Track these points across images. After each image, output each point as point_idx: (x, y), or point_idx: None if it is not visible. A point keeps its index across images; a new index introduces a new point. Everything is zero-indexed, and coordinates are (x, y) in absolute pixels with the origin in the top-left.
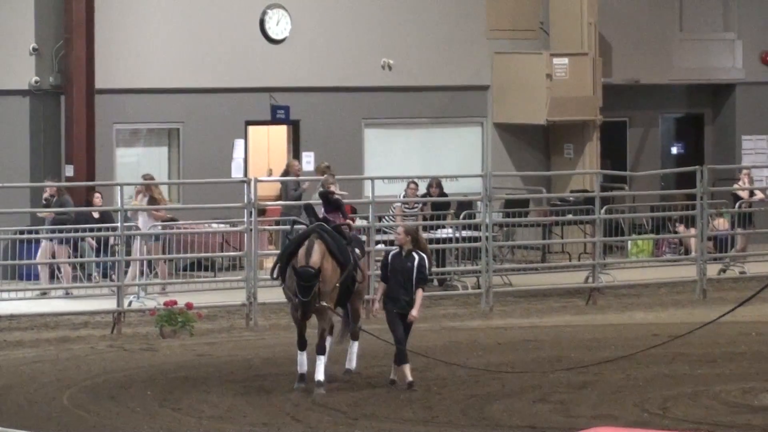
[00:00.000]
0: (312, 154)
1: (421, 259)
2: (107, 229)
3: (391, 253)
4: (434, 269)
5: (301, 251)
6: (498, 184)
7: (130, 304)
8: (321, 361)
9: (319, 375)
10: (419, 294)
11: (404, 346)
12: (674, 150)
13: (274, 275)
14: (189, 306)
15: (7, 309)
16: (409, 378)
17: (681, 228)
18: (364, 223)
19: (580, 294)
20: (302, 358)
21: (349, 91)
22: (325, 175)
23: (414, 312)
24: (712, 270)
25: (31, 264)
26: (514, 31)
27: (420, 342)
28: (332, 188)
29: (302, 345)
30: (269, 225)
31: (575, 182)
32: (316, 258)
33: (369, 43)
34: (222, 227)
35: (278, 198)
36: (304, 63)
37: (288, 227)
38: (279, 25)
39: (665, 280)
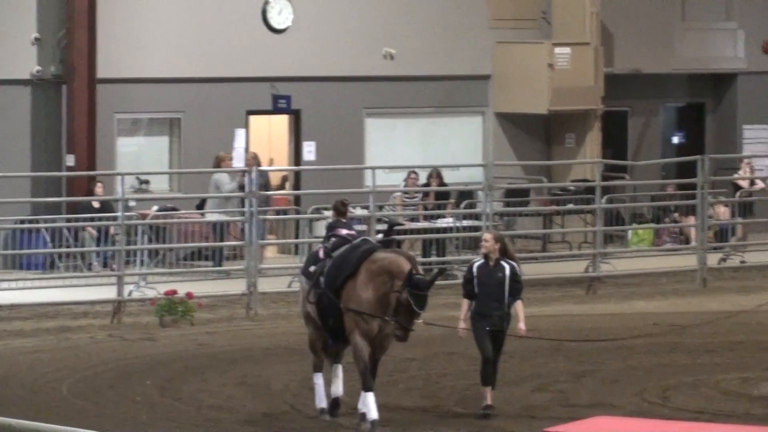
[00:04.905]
0: (313, 143)
1: (512, 267)
2: (107, 218)
3: (476, 265)
4: (434, 258)
5: (400, 258)
6: (499, 173)
7: (130, 293)
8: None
9: (375, 413)
10: (521, 306)
11: (491, 368)
12: (675, 139)
13: (311, 300)
14: (189, 295)
15: (7, 298)
16: (489, 401)
17: (676, 215)
18: (365, 212)
19: (581, 283)
20: (371, 398)
21: (350, 81)
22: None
23: (522, 325)
24: (713, 259)
25: (31, 253)
26: (515, 21)
27: (421, 332)
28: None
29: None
30: (270, 214)
31: (576, 172)
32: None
33: (371, 33)
34: (222, 217)
35: (279, 187)
36: (306, 52)
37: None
38: (281, 14)
39: (666, 269)
